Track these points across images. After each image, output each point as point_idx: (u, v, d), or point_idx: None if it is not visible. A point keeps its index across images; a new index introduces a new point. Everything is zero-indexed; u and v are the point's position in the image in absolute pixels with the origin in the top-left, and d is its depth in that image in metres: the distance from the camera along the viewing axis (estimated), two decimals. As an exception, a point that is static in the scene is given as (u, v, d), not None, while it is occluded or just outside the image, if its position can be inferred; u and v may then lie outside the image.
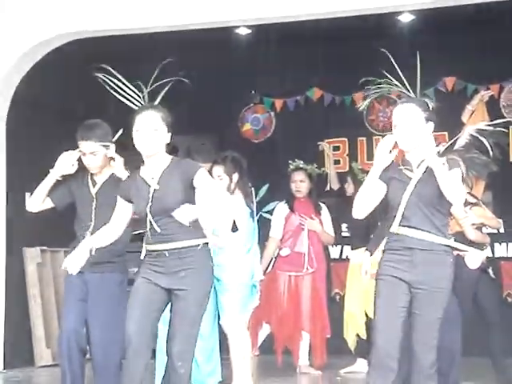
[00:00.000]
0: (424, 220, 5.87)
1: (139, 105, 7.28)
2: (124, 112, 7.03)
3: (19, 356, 11.26)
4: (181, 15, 10.17)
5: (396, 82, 6.74)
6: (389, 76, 6.72)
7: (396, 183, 5.89)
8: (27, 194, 10.69)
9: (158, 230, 6.14)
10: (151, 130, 6.11)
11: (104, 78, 7.73)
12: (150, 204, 6.15)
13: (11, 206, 11.25)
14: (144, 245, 6.39)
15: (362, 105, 9.89)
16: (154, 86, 7.83)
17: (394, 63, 6.74)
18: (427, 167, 5.89)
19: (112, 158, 7.07)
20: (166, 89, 7.62)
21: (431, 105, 6.54)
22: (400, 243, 5.88)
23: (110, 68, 7.24)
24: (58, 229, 10.51)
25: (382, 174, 6.00)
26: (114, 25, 10.56)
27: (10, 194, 11.24)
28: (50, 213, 10.09)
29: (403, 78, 6.18)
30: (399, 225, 5.87)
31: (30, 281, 11.51)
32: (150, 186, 6.20)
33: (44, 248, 11.69)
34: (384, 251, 6.08)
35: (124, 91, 7.25)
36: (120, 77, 7.56)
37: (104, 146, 6.96)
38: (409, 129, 5.85)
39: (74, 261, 6.15)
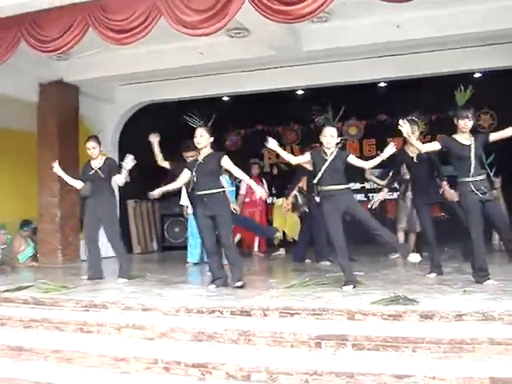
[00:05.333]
0: (333, 179, 6.42)
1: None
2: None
3: (125, 248, 11.99)
4: (198, 91, 10.78)
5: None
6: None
7: (319, 162, 6.49)
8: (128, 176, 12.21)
9: (196, 181, 6.80)
10: (199, 135, 6.87)
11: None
12: (195, 169, 6.80)
13: (122, 187, 12.20)
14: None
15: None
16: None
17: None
18: (335, 155, 6.47)
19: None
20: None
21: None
22: (326, 193, 6.43)
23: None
24: (142, 190, 12.22)
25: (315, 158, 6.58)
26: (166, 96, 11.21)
27: None
28: (138, 184, 11.51)
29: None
30: (322, 184, 6.45)
31: (130, 215, 12.40)
32: (198, 161, 6.87)
33: (136, 200, 12.43)
34: (322, 198, 6.55)
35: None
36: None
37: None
38: (332, 138, 6.47)
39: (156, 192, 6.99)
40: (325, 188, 6.50)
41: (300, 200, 9.78)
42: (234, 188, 10.16)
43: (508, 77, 9.75)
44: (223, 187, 7.03)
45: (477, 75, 10.62)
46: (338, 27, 8.37)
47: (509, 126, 11.60)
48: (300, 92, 11.83)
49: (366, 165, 6.66)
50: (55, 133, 10.02)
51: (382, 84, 11.19)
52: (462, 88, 6.56)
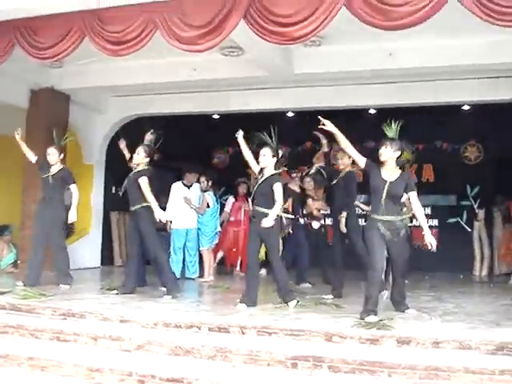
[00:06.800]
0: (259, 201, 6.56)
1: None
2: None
3: (107, 260, 11.92)
4: (188, 108, 10.82)
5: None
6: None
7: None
8: (113, 188, 11.88)
9: None
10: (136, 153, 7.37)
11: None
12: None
13: (106, 198, 11.91)
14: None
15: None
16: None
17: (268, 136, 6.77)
18: (265, 178, 6.53)
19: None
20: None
21: (281, 151, 6.86)
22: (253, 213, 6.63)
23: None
24: (126, 201, 12.45)
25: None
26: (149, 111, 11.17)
27: (106, 190, 11.87)
28: (122, 196, 11.53)
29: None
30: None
31: (113, 226, 12.21)
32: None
33: (119, 211, 12.07)
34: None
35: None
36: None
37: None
38: (264, 157, 6.58)
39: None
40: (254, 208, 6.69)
41: (284, 221, 9.78)
42: (219, 205, 10.18)
43: (495, 110, 9.89)
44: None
45: (465, 107, 10.77)
46: (330, 52, 8.47)
47: (495, 158, 11.80)
48: (290, 114, 11.87)
49: (279, 200, 6.53)
50: (43, 140, 9.82)
51: (372, 111, 11.28)
52: (391, 122, 6.30)
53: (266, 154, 6.62)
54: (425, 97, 9.68)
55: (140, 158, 7.40)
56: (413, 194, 5.92)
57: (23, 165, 10.03)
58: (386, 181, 5.92)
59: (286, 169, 10.51)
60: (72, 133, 10.82)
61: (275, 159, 6.66)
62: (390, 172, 5.99)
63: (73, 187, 8.05)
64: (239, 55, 8.38)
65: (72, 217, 7.86)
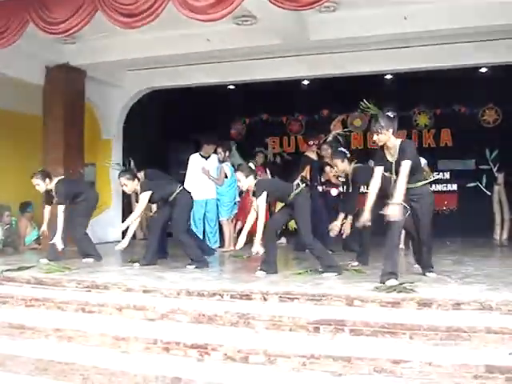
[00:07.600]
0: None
1: None
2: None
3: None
4: (204, 79, 10.84)
5: None
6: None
7: None
8: (131, 162, 12.09)
9: None
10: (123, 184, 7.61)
11: None
12: None
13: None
14: None
15: None
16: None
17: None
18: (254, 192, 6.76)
19: None
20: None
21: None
22: None
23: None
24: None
25: None
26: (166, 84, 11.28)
27: (124, 164, 11.41)
28: (140, 169, 11.52)
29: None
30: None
31: (133, 200, 11.12)
32: None
33: None
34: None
35: None
36: None
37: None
38: (242, 182, 6.81)
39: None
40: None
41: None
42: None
43: (514, 72, 9.75)
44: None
45: (483, 70, 10.64)
46: (345, 17, 8.32)
47: (513, 121, 11.65)
48: (305, 82, 11.83)
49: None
50: (61, 116, 9.99)
51: (388, 76, 11.19)
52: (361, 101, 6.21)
53: (239, 178, 6.82)
54: (441, 60, 9.57)
55: (132, 187, 7.59)
56: (404, 163, 5.72)
57: (40, 142, 10.14)
58: (392, 162, 5.89)
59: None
60: (89, 108, 10.95)
61: (251, 177, 6.78)
62: (393, 151, 5.89)
63: (59, 207, 7.85)
64: (253, 24, 8.26)
65: (58, 243, 7.74)
